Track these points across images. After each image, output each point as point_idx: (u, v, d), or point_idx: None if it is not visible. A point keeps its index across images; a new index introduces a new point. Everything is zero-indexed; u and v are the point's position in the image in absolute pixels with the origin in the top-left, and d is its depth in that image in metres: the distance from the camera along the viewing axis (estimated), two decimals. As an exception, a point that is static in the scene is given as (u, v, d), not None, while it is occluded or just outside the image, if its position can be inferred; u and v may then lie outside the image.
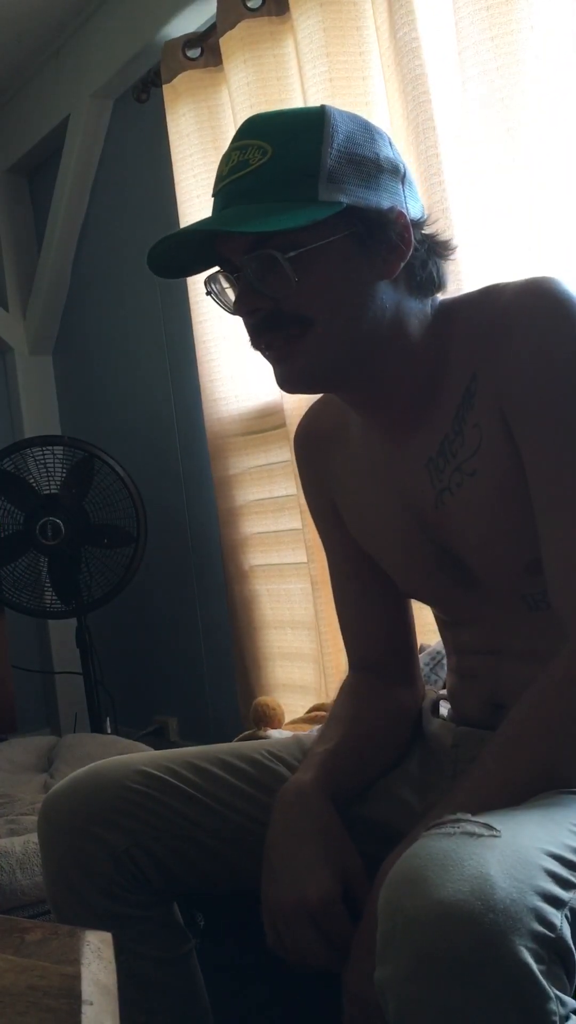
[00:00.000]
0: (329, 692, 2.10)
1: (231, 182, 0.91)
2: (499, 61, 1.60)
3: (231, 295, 0.97)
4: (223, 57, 2.22)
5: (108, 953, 0.77)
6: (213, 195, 0.95)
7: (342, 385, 1.00)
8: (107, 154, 2.88)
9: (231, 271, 0.96)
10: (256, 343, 0.96)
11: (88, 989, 0.69)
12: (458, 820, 0.75)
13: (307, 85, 2.00)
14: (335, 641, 2.11)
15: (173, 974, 1.04)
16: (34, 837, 1.95)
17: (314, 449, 1.14)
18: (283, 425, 2.18)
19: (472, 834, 0.73)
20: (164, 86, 2.42)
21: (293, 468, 2.16)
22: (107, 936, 0.79)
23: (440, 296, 1.01)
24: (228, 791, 1.06)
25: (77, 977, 0.70)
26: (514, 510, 0.93)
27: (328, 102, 1.94)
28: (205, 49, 2.34)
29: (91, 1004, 0.67)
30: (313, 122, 0.91)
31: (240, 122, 2.14)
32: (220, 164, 0.95)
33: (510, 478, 0.93)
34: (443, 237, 1.00)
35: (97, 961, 0.75)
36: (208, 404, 2.40)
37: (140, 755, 1.09)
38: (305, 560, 2.16)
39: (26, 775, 2.39)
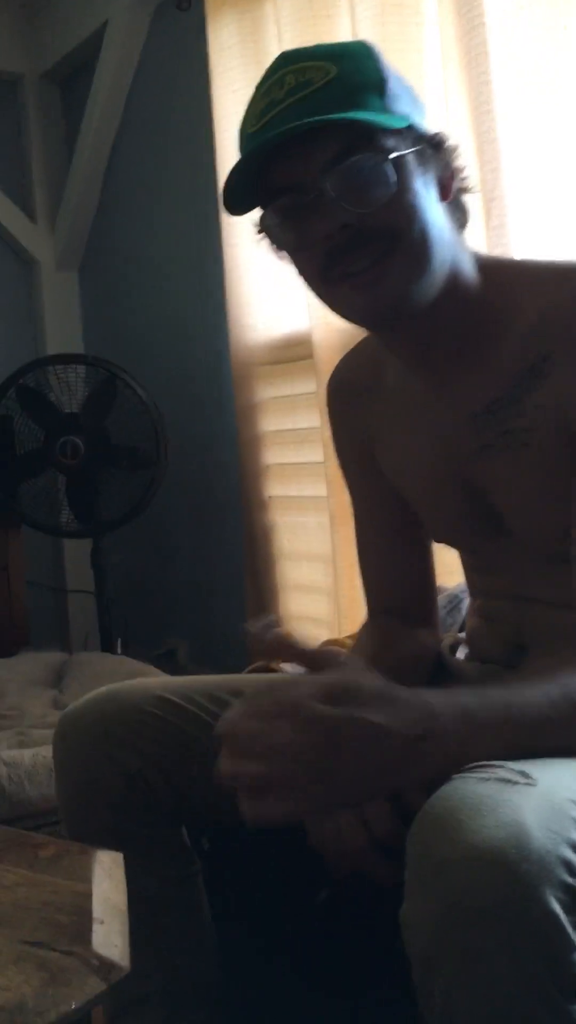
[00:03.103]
0: (342, 626, 2.11)
1: (293, 103, 0.86)
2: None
3: (287, 230, 0.90)
4: (270, -33, 2.13)
5: (119, 873, 0.78)
6: (254, 129, 0.88)
7: (414, 317, 0.93)
8: (144, 64, 2.79)
9: (302, 194, 0.87)
10: (333, 272, 0.89)
11: (99, 907, 0.70)
12: (493, 765, 0.74)
13: (356, 3, 1.92)
14: (350, 576, 2.11)
15: (178, 894, 1.06)
16: (43, 750, 1.98)
17: (349, 397, 1.13)
18: (310, 356, 2.15)
19: (507, 780, 0.72)
20: (206, -7, 2.33)
21: (317, 399, 2.14)
22: (118, 856, 0.80)
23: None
24: None
25: (88, 896, 0.71)
26: (561, 483, 0.91)
27: (378, 21, 1.87)
28: (252, -44, 2.24)
29: (102, 922, 0.68)
30: (362, 48, 0.90)
31: (284, 36, 2.09)
32: (261, 96, 0.89)
33: (564, 456, 0.91)
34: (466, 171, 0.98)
35: (108, 880, 0.76)
36: (235, 330, 2.37)
37: (157, 680, 1.10)
38: (325, 494, 2.15)
39: (36, 689, 2.42)
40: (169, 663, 2.77)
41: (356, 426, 1.13)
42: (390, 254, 0.88)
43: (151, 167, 2.84)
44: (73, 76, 3.13)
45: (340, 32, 2.01)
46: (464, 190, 0.96)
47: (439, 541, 1.16)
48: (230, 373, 2.42)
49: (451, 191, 0.93)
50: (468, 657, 1.13)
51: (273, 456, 2.39)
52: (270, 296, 2.28)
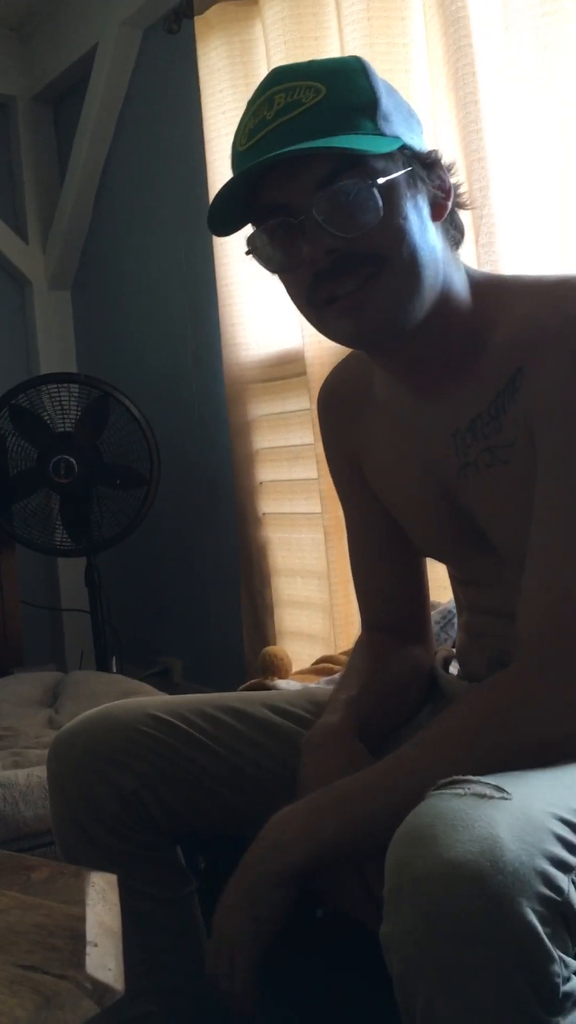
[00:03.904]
0: (338, 641, 2.11)
1: (283, 123, 0.85)
2: (544, 7, 1.54)
3: (275, 250, 0.90)
4: (258, -11, 2.15)
5: (113, 895, 0.78)
6: (243, 148, 0.88)
7: (403, 338, 0.93)
8: (135, 86, 2.81)
9: (290, 216, 0.87)
10: (319, 295, 0.89)
11: (92, 930, 0.70)
12: (468, 781, 0.75)
13: (344, 22, 1.94)
14: (345, 591, 2.11)
15: (174, 914, 1.06)
16: (37, 770, 1.97)
17: (338, 409, 1.13)
18: (303, 373, 2.16)
19: (482, 795, 0.73)
20: (196, 17, 2.35)
21: (311, 416, 2.15)
22: (112, 878, 0.80)
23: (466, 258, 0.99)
24: (237, 738, 1.06)
25: (82, 918, 0.71)
26: None
27: (366, 42, 1.89)
28: (240, -21, 2.27)
29: (95, 946, 0.68)
30: (355, 65, 0.89)
31: (274, 58, 2.11)
32: (251, 115, 0.88)
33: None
34: (461, 188, 0.98)
35: (102, 903, 0.75)
36: (228, 348, 2.37)
37: (151, 699, 1.10)
38: (319, 510, 2.15)
39: (31, 709, 2.41)
40: (164, 681, 2.76)
41: (345, 439, 1.14)
42: (376, 277, 0.87)
43: (143, 187, 2.85)
44: (64, 98, 3.15)
45: (329, 53, 2.03)
46: (460, 206, 0.96)
47: (425, 555, 1.16)
48: (223, 391, 2.43)
49: (445, 210, 0.92)
50: (459, 674, 1.13)
51: (267, 473, 2.39)
52: (263, 314, 2.30)
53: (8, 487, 2.63)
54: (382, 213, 0.86)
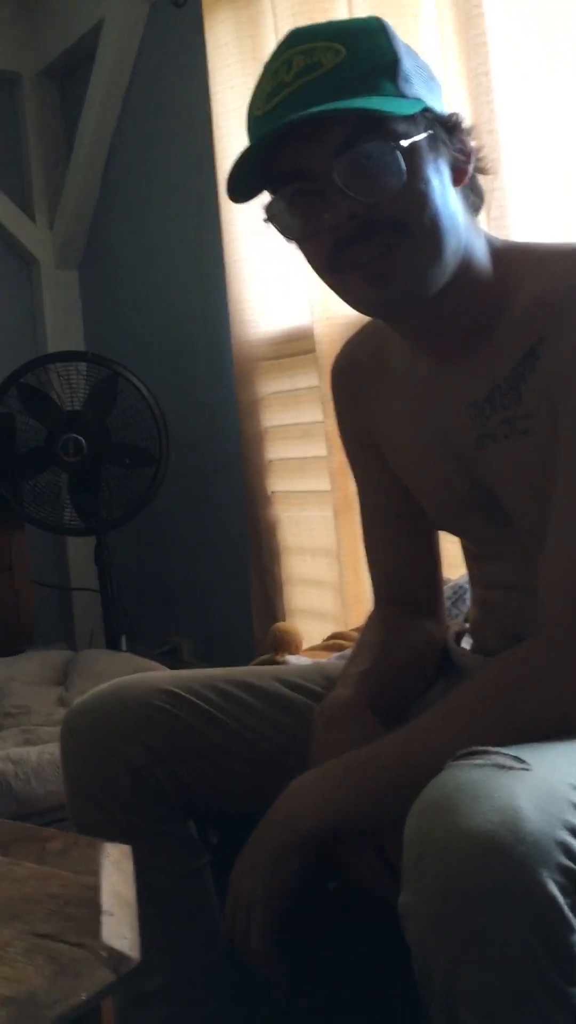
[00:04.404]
0: (348, 619, 2.11)
1: (303, 85, 0.83)
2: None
3: (294, 216, 0.88)
4: (267, -40, 2.13)
5: (127, 866, 0.78)
6: (260, 113, 0.86)
7: (424, 306, 0.92)
8: (141, 61, 2.79)
9: (309, 181, 0.86)
10: (341, 262, 0.88)
11: (108, 900, 0.70)
12: (487, 751, 0.75)
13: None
14: (355, 569, 2.11)
15: (186, 888, 1.07)
16: (49, 747, 1.98)
17: (353, 382, 1.12)
18: (312, 350, 2.14)
19: (502, 766, 0.73)
20: (203, -11, 2.33)
21: (320, 394, 2.14)
22: (126, 849, 0.80)
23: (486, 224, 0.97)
24: (249, 713, 1.07)
25: (97, 888, 0.71)
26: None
27: (374, 11, 1.87)
28: (248, -49, 2.24)
29: (111, 915, 0.68)
30: (375, 25, 0.87)
31: (282, 32, 2.08)
32: (268, 78, 0.86)
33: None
34: (482, 152, 0.95)
35: (116, 873, 0.75)
36: (236, 325, 2.36)
37: (164, 674, 1.10)
38: (328, 488, 2.15)
39: (42, 688, 2.42)
40: (173, 660, 2.77)
41: (360, 411, 1.12)
42: (399, 246, 0.86)
43: (150, 163, 2.83)
44: (70, 74, 3.13)
45: (337, 25, 2.00)
46: (481, 171, 0.94)
47: (441, 529, 1.16)
48: (232, 369, 2.42)
49: (466, 174, 0.90)
50: (472, 648, 1.13)
51: (276, 451, 2.38)
52: (271, 291, 2.28)
53: (17, 466, 2.63)
54: (405, 177, 0.84)
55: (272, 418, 2.38)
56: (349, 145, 0.83)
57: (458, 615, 1.45)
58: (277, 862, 0.90)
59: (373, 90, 0.83)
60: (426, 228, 0.86)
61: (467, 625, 1.17)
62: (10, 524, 2.71)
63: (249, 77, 2.28)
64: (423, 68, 0.89)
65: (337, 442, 2.08)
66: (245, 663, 2.46)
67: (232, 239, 2.31)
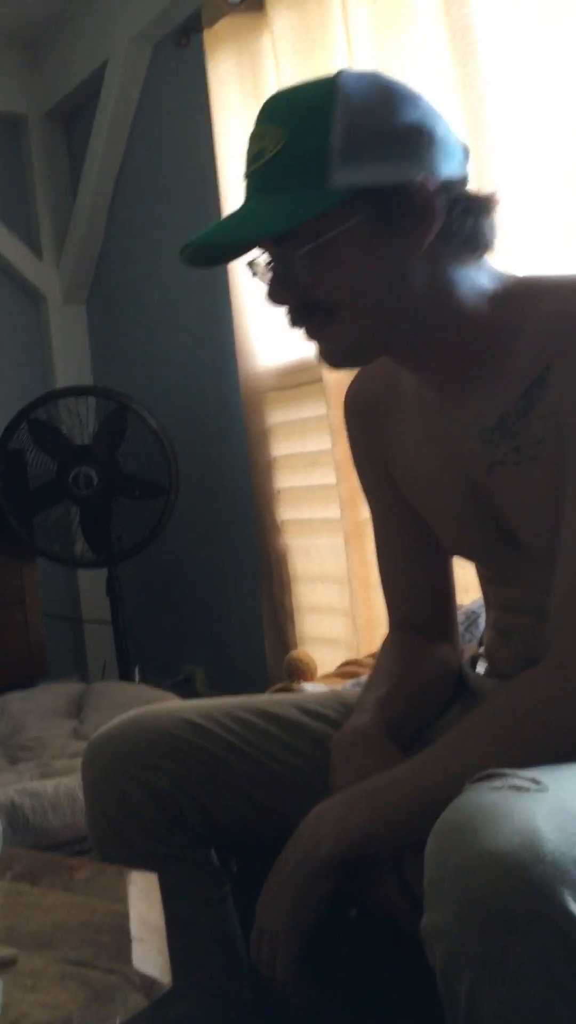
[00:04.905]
0: (360, 646, 2.12)
1: (251, 173, 0.92)
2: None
3: (262, 282, 0.96)
4: (266, 2, 2.18)
5: (154, 893, 0.79)
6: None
7: (386, 354, 1.00)
8: (146, 100, 2.84)
9: (251, 270, 0.97)
10: (292, 327, 0.97)
11: (137, 927, 0.71)
12: (504, 774, 0.76)
13: (352, 31, 1.96)
14: (366, 596, 2.12)
15: (209, 915, 1.07)
16: (65, 780, 1.99)
17: (365, 409, 1.14)
18: (319, 380, 2.17)
19: (519, 788, 0.74)
20: (205, 31, 2.38)
21: (328, 422, 2.16)
22: (152, 877, 0.81)
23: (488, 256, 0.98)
24: (268, 741, 1.08)
25: (126, 916, 0.72)
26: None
27: (373, 46, 1.91)
28: (248, -7, 2.29)
29: (141, 941, 0.69)
30: (325, 100, 0.88)
31: (283, 68, 2.13)
32: (247, 146, 0.94)
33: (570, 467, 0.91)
34: (484, 192, 0.96)
35: (144, 901, 0.77)
36: (243, 357, 2.39)
37: (184, 703, 1.12)
38: (338, 516, 2.16)
39: (56, 720, 2.43)
40: (186, 690, 2.77)
41: (373, 440, 1.14)
42: (329, 323, 0.93)
43: (155, 200, 2.88)
44: (76, 114, 3.18)
45: (338, 61, 2.05)
46: (475, 213, 0.94)
47: (453, 553, 1.17)
48: (240, 399, 2.45)
49: (427, 237, 0.90)
50: (487, 672, 1.14)
51: (285, 480, 2.40)
52: (277, 323, 2.30)
53: (28, 500, 2.65)
54: (325, 270, 0.90)
55: (281, 447, 2.40)
56: (274, 243, 0.92)
57: (471, 640, 1.46)
58: (299, 890, 0.91)
59: (303, 182, 0.88)
60: (356, 308, 0.92)
61: (482, 649, 1.18)
62: (22, 557, 2.73)
63: (252, 113, 2.30)
64: (380, 135, 0.88)
65: (346, 470, 2.12)
66: (258, 691, 2.47)
67: (237, 273, 2.34)
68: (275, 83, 2.19)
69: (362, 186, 0.88)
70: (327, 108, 0.88)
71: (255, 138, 0.91)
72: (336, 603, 2.30)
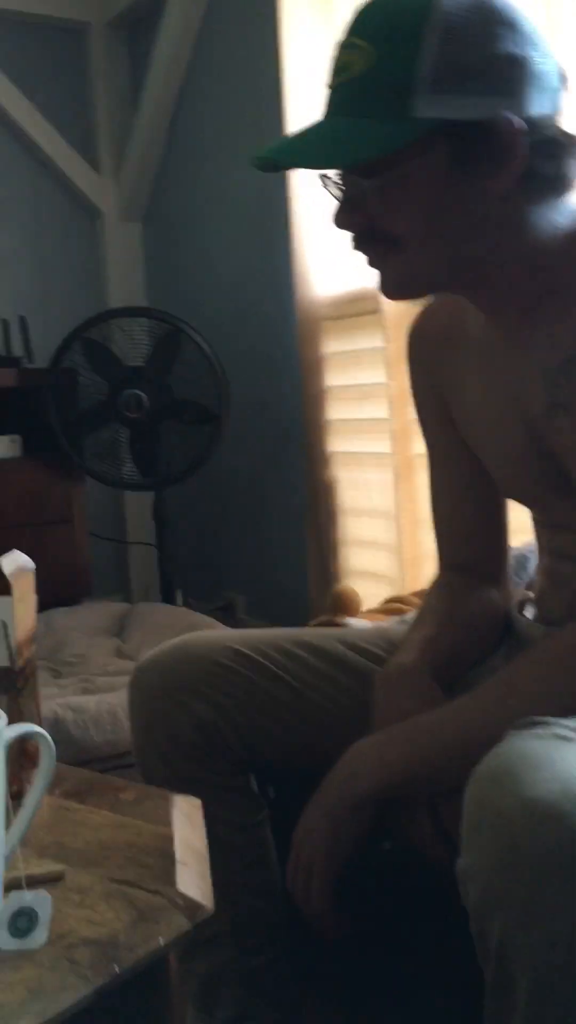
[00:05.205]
0: (405, 582, 2.12)
1: (335, 87, 0.89)
2: None
3: (331, 198, 0.94)
4: None
5: (198, 818, 0.81)
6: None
7: (449, 290, 0.97)
8: (212, 11, 2.75)
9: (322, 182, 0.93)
10: (354, 250, 0.94)
11: (181, 850, 0.73)
12: (548, 722, 0.76)
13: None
14: (412, 532, 2.11)
15: (246, 839, 1.09)
16: (108, 697, 2.03)
17: (429, 346, 1.12)
18: (377, 311, 2.13)
19: (562, 737, 0.74)
20: None
21: (383, 355, 2.12)
22: (196, 802, 0.83)
23: None
24: (312, 673, 1.08)
25: (170, 839, 0.74)
26: None
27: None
28: None
29: (185, 864, 0.70)
30: (419, 16, 0.83)
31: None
32: (334, 51, 0.90)
33: None
34: (572, 133, 0.90)
35: (189, 825, 0.78)
36: (300, 284, 2.35)
37: (230, 632, 1.13)
38: (389, 450, 2.14)
39: (99, 638, 2.47)
40: (227, 616, 2.80)
41: (434, 375, 1.13)
42: (392, 253, 0.91)
43: (218, 117, 2.81)
44: (140, 24, 3.10)
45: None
46: (553, 158, 0.89)
47: (507, 496, 1.15)
48: (295, 327, 2.41)
49: (502, 184, 0.87)
50: (535, 617, 1.13)
51: (337, 411, 2.38)
52: (337, 250, 2.26)
53: (79, 420, 2.66)
54: (395, 201, 0.87)
55: (334, 378, 2.38)
56: (348, 167, 0.90)
57: (519, 583, 1.45)
58: (336, 823, 0.93)
59: (385, 108, 0.84)
60: (420, 241, 0.89)
61: (530, 594, 1.18)
62: (70, 477, 2.75)
63: (321, 29, 2.24)
64: (471, 65, 0.84)
65: (399, 404, 2.09)
66: (299, 622, 2.48)
67: (299, 195, 2.29)
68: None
69: (446, 119, 0.84)
70: (420, 27, 0.83)
71: (343, 49, 0.88)
72: (382, 537, 2.29)
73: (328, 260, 2.29)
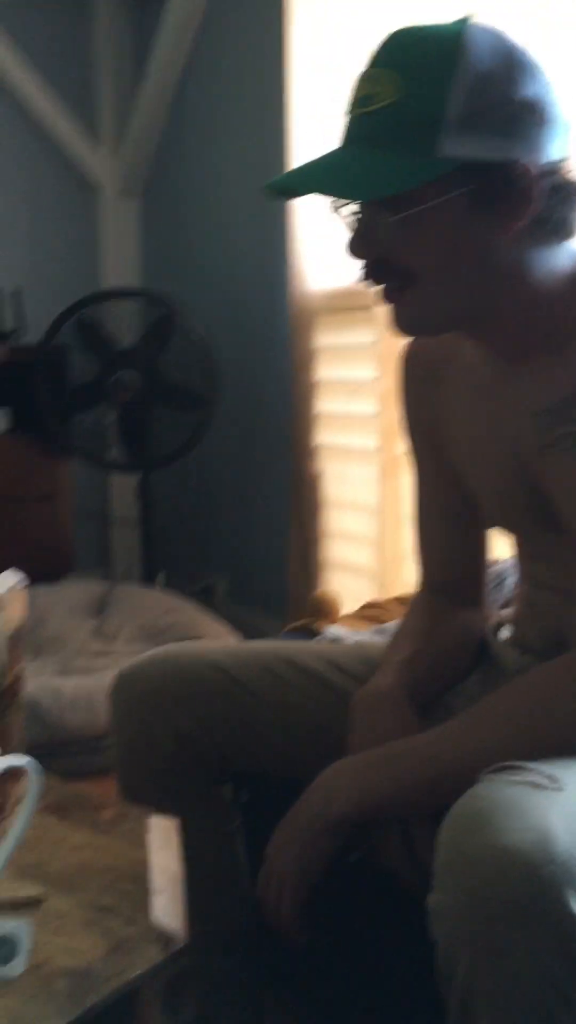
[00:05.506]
0: (386, 576, 2.14)
1: (357, 117, 0.88)
2: None
3: (344, 227, 0.93)
4: None
5: (175, 841, 0.83)
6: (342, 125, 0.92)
7: (454, 329, 0.99)
8: (220, -12, 2.73)
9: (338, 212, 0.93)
10: (366, 282, 0.95)
11: (158, 877, 0.75)
12: (522, 768, 0.78)
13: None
14: (395, 527, 2.14)
15: (219, 847, 1.12)
16: (85, 680, 2.05)
17: (422, 373, 1.13)
18: (369, 307, 2.14)
19: (536, 785, 0.76)
20: None
21: (376, 351, 2.14)
22: (174, 822, 0.85)
23: None
24: (292, 690, 1.10)
25: (147, 864, 0.76)
26: None
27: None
28: None
29: (161, 893, 0.73)
30: (449, 57, 0.84)
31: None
32: (354, 86, 0.90)
33: None
34: None
35: (165, 849, 0.80)
36: (296, 275, 2.35)
37: (213, 646, 1.14)
38: (375, 446, 2.16)
39: (78, 619, 2.49)
40: (208, 598, 2.82)
41: (426, 402, 1.14)
42: (406, 289, 0.91)
43: (222, 96, 2.79)
44: (147, -7, 3.06)
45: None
46: (561, 205, 0.90)
47: (492, 525, 1.17)
48: (288, 318, 2.42)
49: (518, 222, 0.88)
50: (511, 641, 1.15)
51: (326, 404, 2.39)
52: (334, 243, 2.26)
53: (68, 399, 2.66)
54: (412, 238, 0.88)
55: (325, 371, 2.39)
56: (364, 202, 0.90)
57: (495, 601, 1.48)
58: (310, 841, 0.95)
59: (410, 145, 0.85)
60: (433, 278, 0.90)
61: (507, 615, 1.20)
62: (56, 455, 2.75)
63: (330, 9, 2.22)
64: (496, 108, 0.85)
65: (388, 401, 2.10)
66: (278, 610, 2.51)
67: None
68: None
69: (468, 161, 0.85)
70: (450, 67, 0.84)
71: (367, 80, 0.87)
72: (365, 532, 2.32)
73: (323, 254, 2.29)
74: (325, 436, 2.41)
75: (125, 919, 0.69)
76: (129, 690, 1.09)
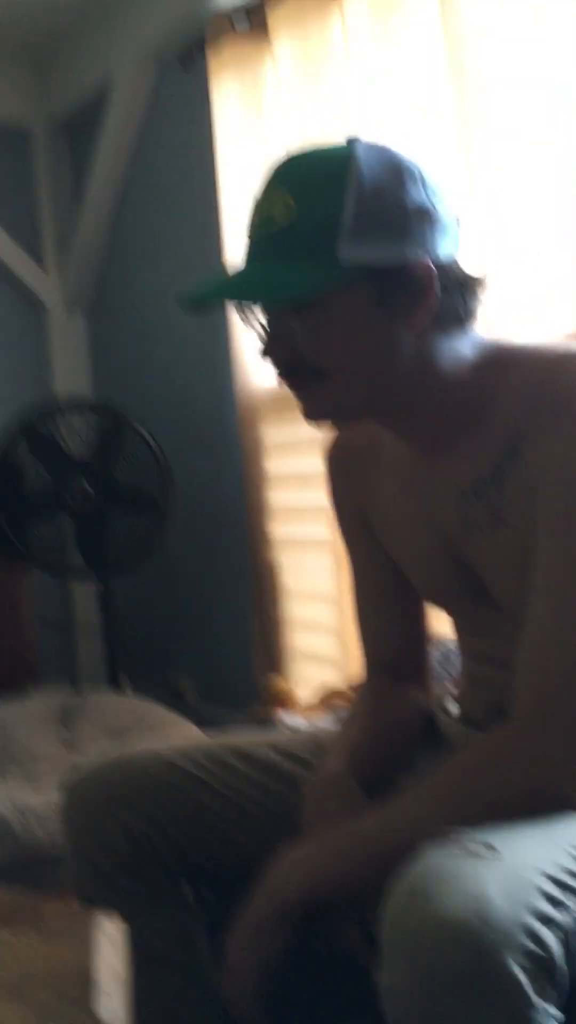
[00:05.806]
0: (348, 664, 2.15)
1: (258, 237, 0.95)
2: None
3: (255, 333, 1.00)
4: (270, 29, 2.20)
5: (122, 940, 0.83)
6: (244, 245, 0.99)
7: (366, 419, 1.04)
8: (150, 118, 2.86)
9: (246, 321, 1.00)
10: (280, 381, 1.00)
11: (104, 978, 0.75)
12: (460, 838, 0.80)
13: (353, 60, 2.00)
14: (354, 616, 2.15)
15: (182, 950, 1.10)
16: (55, 795, 2.02)
17: (347, 462, 1.18)
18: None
19: (474, 854, 0.78)
20: (209, 54, 2.40)
21: (322, 443, 2.18)
22: (121, 923, 0.85)
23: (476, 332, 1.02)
24: (242, 780, 1.11)
25: (95, 968, 0.76)
26: None
27: (375, 73, 1.92)
28: (253, 20, 2.31)
29: (108, 995, 0.73)
30: (338, 173, 0.91)
31: (285, 95, 2.15)
32: (253, 205, 0.97)
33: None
34: (474, 273, 0.99)
35: (111, 947, 0.80)
36: (240, 374, 2.43)
37: (165, 747, 1.15)
38: (329, 536, 2.20)
39: (46, 731, 2.46)
40: (178, 702, 2.81)
41: (353, 492, 1.18)
42: (319, 386, 0.97)
43: (157, 216, 2.90)
44: (82, 125, 3.20)
45: (340, 91, 2.07)
46: (457, 297, 0.97)
47: (428, 601, 1.21)
48: (235, 416, 2.48)
49: (422, 319, 0.94)
50: (457, 715, 1.17)
51: (278, 497, 2.44)
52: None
53: (24, 511, 2.68)
54: (319, 337, 0.94)
55: (275, 465, 2.44)
56: (269, 309, 0.96)
57: (446, 676, 1.50)
58: (266, 933, 0.94)
59: (310, 254, 0.91)
60: (343, 373, 0.96)
61: (453, 690, 1.22)
62: (15, 566, 2.76)
63: (254, 134, 2.34)
64: (387, 214, 0.92)
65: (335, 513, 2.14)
66: (247, 703, 2.50)
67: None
68: (276, 106, 2.23)
69: (367, 264, 0.91)
70: (340, 183, 0.91)
71: (264, 202, 0.95)
72: (325, 620, 2.33)
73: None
74: (280, 528, 2.45)
75: None
76: (80, 795, 1.09)
